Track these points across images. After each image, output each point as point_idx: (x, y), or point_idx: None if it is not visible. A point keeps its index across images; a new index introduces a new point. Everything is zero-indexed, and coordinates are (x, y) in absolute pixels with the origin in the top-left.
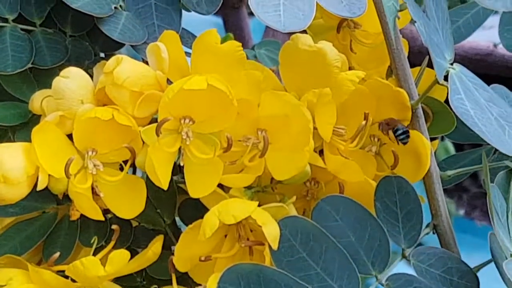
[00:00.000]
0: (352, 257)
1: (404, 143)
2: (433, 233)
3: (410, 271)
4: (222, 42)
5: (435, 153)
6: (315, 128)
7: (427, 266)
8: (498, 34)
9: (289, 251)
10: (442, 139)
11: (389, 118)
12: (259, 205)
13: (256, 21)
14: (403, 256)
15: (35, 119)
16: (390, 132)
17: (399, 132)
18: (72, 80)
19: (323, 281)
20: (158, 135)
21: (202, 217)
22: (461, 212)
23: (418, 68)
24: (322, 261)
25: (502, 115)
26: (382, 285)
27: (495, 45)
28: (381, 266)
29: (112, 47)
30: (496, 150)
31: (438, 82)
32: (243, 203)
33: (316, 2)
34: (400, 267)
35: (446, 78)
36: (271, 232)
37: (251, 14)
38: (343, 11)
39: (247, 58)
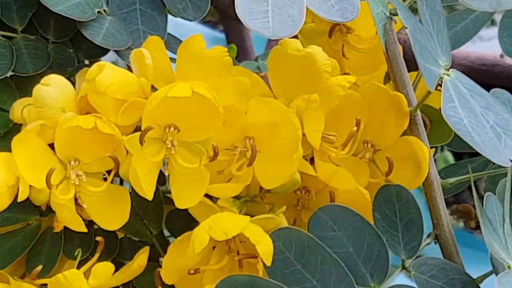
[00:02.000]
0: (350, 268)
1: None
2: (435, 243)
3: (409, 282)
4: None
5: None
6: (304, 135)
7: (428, 277)
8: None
9: (283, 263)
10: (442, 149)
11: None
12: (248, 215)
13: None
14: (403, 267)
15: (17, 128)
16: None
17: None
18: (53, 87)
19: None
20: (142, 144)
21: (190, 228)
22: (461, 224)
23: (415, 73)
24: (318, 273)
25: (499, 123)
26: None
27: (501, 55)
28: (380, 278)
29: (96, 53)
30: None
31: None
32: (234, 218)
33: (307, 7)
34: (400, 279)
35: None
36: (265, 249)
37: None
38: (335, 16)
39: (251, 70)
